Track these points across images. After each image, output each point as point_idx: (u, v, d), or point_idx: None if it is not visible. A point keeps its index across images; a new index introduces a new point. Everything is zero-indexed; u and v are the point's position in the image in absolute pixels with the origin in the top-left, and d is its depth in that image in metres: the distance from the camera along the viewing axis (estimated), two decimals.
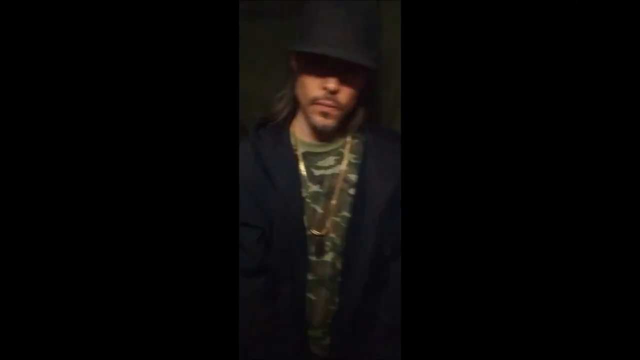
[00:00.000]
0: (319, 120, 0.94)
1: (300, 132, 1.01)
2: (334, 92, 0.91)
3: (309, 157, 1.00)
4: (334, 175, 0.99)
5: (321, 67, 0.91)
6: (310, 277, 0.97)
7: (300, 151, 1.00)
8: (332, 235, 0.97)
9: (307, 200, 0.97)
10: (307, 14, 0.93)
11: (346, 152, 1.00)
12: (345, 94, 0.93)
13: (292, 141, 1.01)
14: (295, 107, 1.01)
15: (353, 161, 1.00)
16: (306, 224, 0.96)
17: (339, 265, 0.97)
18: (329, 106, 0.93)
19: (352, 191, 0.98)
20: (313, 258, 0.97)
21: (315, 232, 0.96)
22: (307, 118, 0.97)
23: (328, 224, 0.96)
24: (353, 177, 0.99)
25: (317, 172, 0.99)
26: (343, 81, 0.91)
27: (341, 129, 1.00)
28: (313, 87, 0.93)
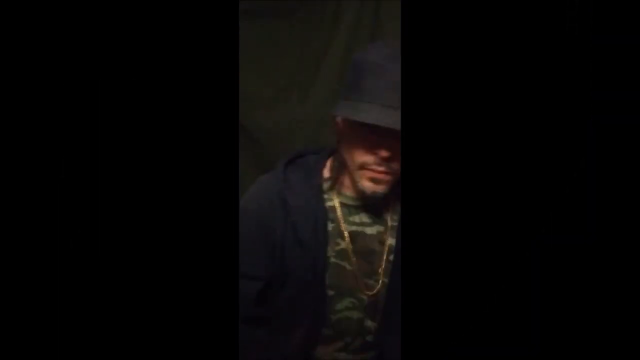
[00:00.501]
0: (369, 186, 0.86)
1: (340, 188, 0.92)
2: (386, 159, 0.83)
3: (343, 209, 0.91)
4: (368, 236, 0.91)
5: (372, 131, 0.82)
6: (328, 332, 0.91)
7: (335, 203, 0.91)
8: (363, 296, 0.90)
9: (333, 260, 0.90)
10: (357, 66, 0.84)
11: (383, 210, 0.92)
12: (398, 159, 0.83)
13: (327, 195, 0.92)
14: (340, 167, 0.91)
15: (391, 223, 0.92)
16: (329, 283, 0.89)
17: (369, 324, 0.91)
18: (381, 172, 0.85)
19: (391, 257, 0.91)
20: (344, 314, 0.91)
21: (368, 292, 0.90)
22: (354, 182, 0.88)
23: (366, 287, 0.90)
24: (390, 240, 0.91)
25: (349, 228, 0.90)
26: (397, 146, 0.80)
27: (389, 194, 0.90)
28: (363, 151, 0.84)
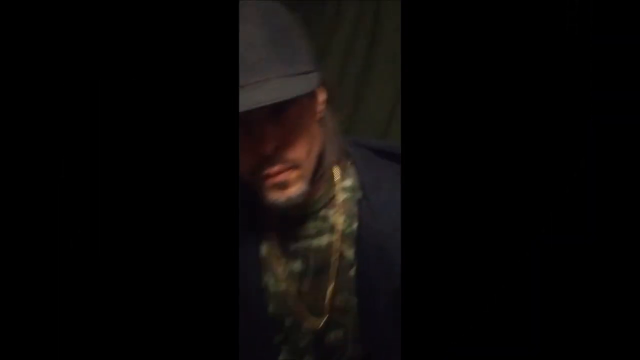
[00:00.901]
0: (278, 196, 0.67)
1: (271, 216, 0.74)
2: (274, 154, 0.65)
3: (281, 227, 0.74)
4: (319, 249, 0.73)
5: (243, 126, 0.64)
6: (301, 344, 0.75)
7: (269, 218, 0.74)
8: (336, 315, 0.74)
9: (277, 288, 0.74)
10: None
11: (332, 214, 0.73)
12: (294, 145, 0.65)
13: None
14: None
15: (346, 229, 0.73)
16: (276, 311, 0.74)
17: (352, 336, 0.74)
18: (282, 172, 0.66)
19: (352, 271, 0.73)
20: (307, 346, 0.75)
21: (310, 325, 0.73)
22: (261, 200, 0.69)
23: (326, 312, 0.73)
24: (350, 252, 0.73)
25: (294, 246, 0.74)
26: (281, 130, 0.65)
27: (320, 181, 0.72)
28: (249, 160, 0.66)
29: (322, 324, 0.71)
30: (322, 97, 0.72)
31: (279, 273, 0.73)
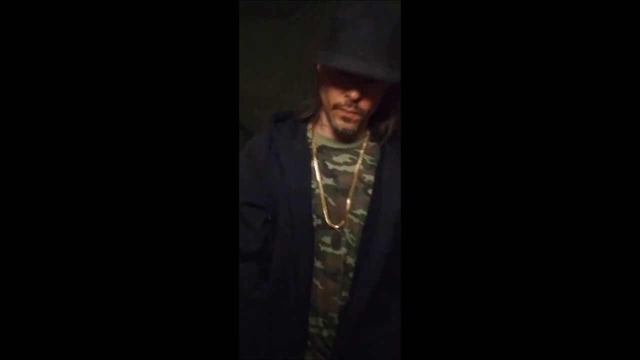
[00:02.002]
0: (340, 124, 1.00)
1: (320, 130, 1.07)
2: (356, 101, 0.97)
3: (324, 151, 1.05)
4: (348, 173, 1.03)
5: (344, 77, 0.95)
6: (319, 265, 1.00)
7: (315, 145, 1.06)
8: (346, 230, 1.00)
9: (318, 191, 1.01)
10: (334, 21, 0.97)
11: (362, 152, 1.05)
12: (366, 102, 0.98)
13: (309, 135, 1.07)
14: (318, 108, 1.06)
15: (369, 162, 1.04)
16: (315, 214, 1.00)
17: (350, 261, 1.00)
18: (351, 112, 0.99)
19: (370, 191, 1.02)
20: (328, 249, 1.00)
21: (332, 224, 1.00)
22: (330, 120, 1.03)
23: (344, 219, 1.00)
24: (369, 177, 1.03)
25: (330, 166, 1.03)
26: (365, 90, 0.96)
27: (361, 132, 1.05)
28: (336, 94, 0.98)
29: (339, 225, 1.00)
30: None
31: (319, 183, 1.03)
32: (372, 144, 1.06)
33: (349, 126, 0.99)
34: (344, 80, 0.96)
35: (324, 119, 1.06)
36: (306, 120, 1.08)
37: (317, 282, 1.00)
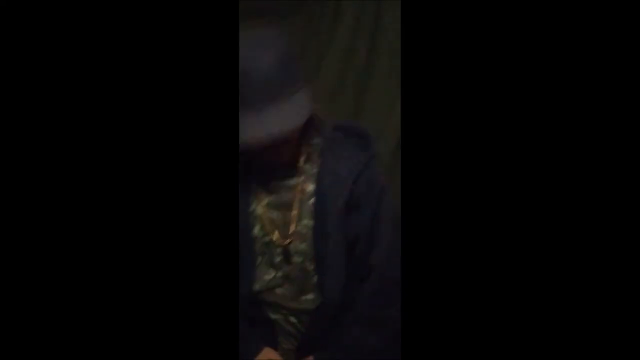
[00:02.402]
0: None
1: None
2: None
3: (265, 172, 1.02)
4: (289, 187, 1.01)
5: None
6: (278, 274, 1.01)
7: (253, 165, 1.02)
8: (297, 242, 1.00)
9: (258, 212, 1.01)
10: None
11: (301, 163, 1.02)
12: (283, 150, 0.95)
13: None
14: None
15: (310, 172, 1.02)
16: (258, 233, 1.01)
17: (309, 266, 1.01)
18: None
19: (311, 201, 1.00)
20: (279, 261, 1.01)
21: (279, 241, 1.00)
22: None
23: (291, 233, 1.00)
24: (311, 187, 1.01)
25: (272, 184, 1.01)
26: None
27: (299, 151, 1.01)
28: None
29: (287, 242, 1.00)
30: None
31: (262, 204, 1.02)
32: (309, 149, 1.02)
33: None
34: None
35: None
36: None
37: (279, 290, 1.02)
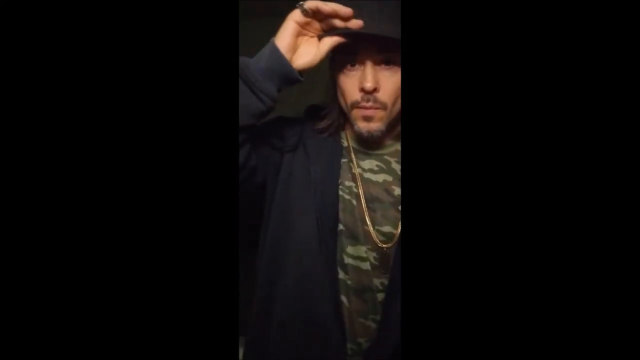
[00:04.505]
0: (363, 126, 0.87)
1: (351, 133, 0.95)
2: (372, 92, 0.84)
3: (352, 151, 0.94)
4: (372, 182, 0.92)
5: (355, 62, 0.85)
6: (344, 277, 0.89)
7: (346, 144, 0.95)
8: (374, 246, 0.89)
9: (340, 193, 0.90)
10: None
11: (393, 160, 0.93)
12: (386, 92, 0.85)
13: (342, 134, 0.96)
14: (343, 120, 0.95)
15: (400, 172, 0.91)
16: (339, 218, 0.90)
17: (377, 282, 0.89)
18: (371, 108, 0.86)
19: (399, 206, 0.90)
20: (363, 266, 0.89)
21: (380, 243, 0.89)
22: (352, 126, 0.90)
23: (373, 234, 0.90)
24: (398, 190, 0.91)
25: (355, 170, 0.92)
26: (381, 77, 0.85)
27: (392, 133, 0.93)
28: (351, 90, 0.86)
29: (385, 249, 0.88)
30: None
31: (347, 185, 0.91)
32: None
33: (374, 127, 0.87)
34: (355, 70, 0.85)
35: (351, 128, 0.93)
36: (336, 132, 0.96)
37: (343, 298, 0.89)
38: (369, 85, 0.83)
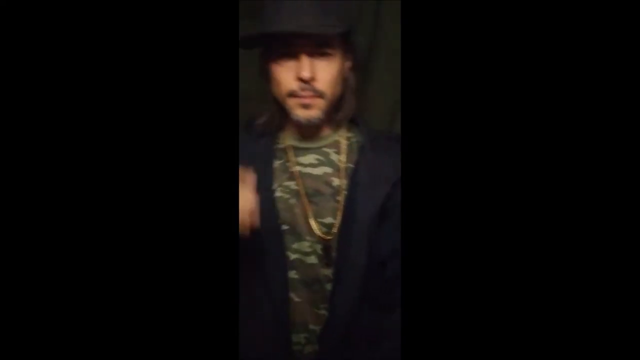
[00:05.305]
0: (301, 113, 0.89)
1: (291, 128, 0.96)
2: (309, 80, 0.86)
3: (291, 151, 0.95)
4: (312, 176, 0.94)
5: (290, 53, 0.86)
6: (293, 274, 0.92)
7: (282, 145, 0.95)
8: (316, 239, 0.92)
9: (279, 194, 0.92)
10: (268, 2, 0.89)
11: (332, 152, 0.95)
12: (323, 81, 0.87)
13: (279, 136, 0.97)
14: (283, 115, 0.94)
15: (342, 165, 0.94)
16: (280, 219, 0.91)
17: (326, 272, 0.92)
18: (309, 96, 0.87)
19: (338, 197, 0.92)
20: (309, 260, 0.92)
21: (322, 235, 0.91)
22: (290, 116, 0.91)
23: (314, 226, 0.91)
24: (337, 181, 0.93)
25: (294, 168, 0.93)
26: (318, 67, 0.86)
27: (330, 123, 0.95)
28: (287, 80, 0.87)
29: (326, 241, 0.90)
30: (348, 63, 0.93)
31: (284, 185, 0.93)
32: (347, 142, 0.95)
33: (312, 114, 0.88)
34: (292, 59, 0.86)
35: (289, 118, 0.93)
36: (277, 129, 0.97)
37: (292, 295, 0.91)
38: (306, 74, 0.85)
